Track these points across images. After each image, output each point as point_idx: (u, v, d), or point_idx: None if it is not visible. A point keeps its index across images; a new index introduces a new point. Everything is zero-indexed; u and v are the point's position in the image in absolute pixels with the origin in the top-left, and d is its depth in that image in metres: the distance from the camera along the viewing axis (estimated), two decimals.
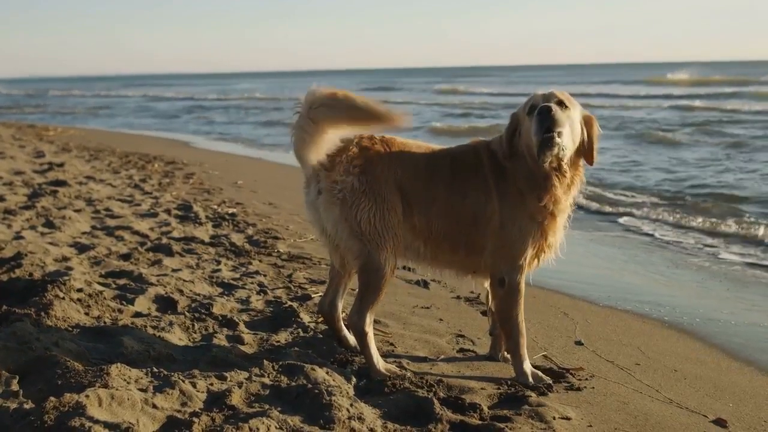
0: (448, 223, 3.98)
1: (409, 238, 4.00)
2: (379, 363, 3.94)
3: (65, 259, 5.99)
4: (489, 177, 3.95)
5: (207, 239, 7.20)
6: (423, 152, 4.07)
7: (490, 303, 4.27)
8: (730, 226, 9.37)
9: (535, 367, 4.21)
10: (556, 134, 3.69)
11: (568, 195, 3.94)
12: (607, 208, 10.89)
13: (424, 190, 3.96)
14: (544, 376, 4.03)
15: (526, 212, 3.88)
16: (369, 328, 3.94)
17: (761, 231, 8.99)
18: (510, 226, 3.90)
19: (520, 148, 3.89)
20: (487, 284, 4.22)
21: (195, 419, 3.06)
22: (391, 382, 3.72)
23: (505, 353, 4.26)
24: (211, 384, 3.48)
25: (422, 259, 4.12)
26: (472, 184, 3.97)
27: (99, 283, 5.29)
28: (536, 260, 4.03)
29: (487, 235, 3.95)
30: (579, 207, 10.76)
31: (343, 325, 4.33)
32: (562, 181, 3.87)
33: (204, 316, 4.70)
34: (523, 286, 4.00)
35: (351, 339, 4.26)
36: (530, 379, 3.97)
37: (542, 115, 3.69)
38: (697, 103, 31.29)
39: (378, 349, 4.24)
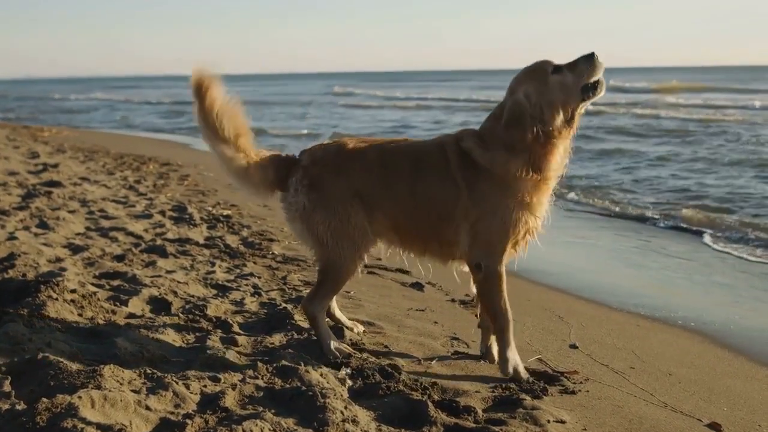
0: (414, 222, 4.12)
1: (380, 229, 4.17)
2: (331, 342, 4.19)
3: (59, 259, 5.96)
4: (457, 174, 3.98)
5: (201, 241, 7.18)
6: (379, 153, 4.16)
7: (475, 293, 4.31)
8: (728, 225, 9.43)
9: (530, 370, 4.21)
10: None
11: (562, 164, 3.99)
12: (599, 208, 10.95)
13: (383, 190, 4.10)
14: (523, 370, 4.04)
15: (511, 198, 3.89)
16: (320, 314, 4.23)
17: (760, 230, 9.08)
18: (490, 219, 3.92)
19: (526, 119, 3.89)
20: (466, 269, 4.26)
21: (188, 421, 3.04)
22: (385, 385, 3.72)
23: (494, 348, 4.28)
24: (205, 386, 3.47)
25: (397, 246, 4.30)
26: (436, 182, 4.03)
27: (93, 284, 5.26)
28: (520, 245, 4.04)
29: (460, 230, 4.00)
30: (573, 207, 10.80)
31: (343, 316, 4.68)
32: (566, 142, 3.98)
33: (198, 318, 4.68)
34: (502, 271, 4.02)
35: (354, 328, 4.61)
36: (510, 368, 4.00)
37: (595, 59, 3.91)
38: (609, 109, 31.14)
39: (372, 352, 4.29)
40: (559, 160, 3.97)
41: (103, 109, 43.94)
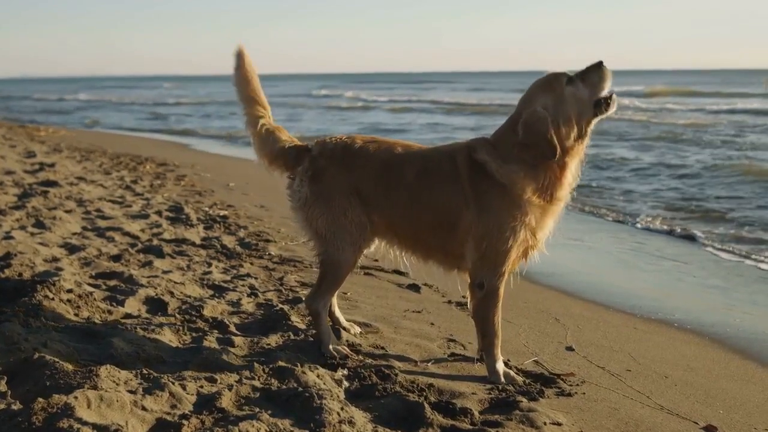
0: (415, 230, 4.12)
1: (379, 231, 4.20)
2: (331, 342, 4.23)
3: (55, 259, 5.95)
4: (466, 186, 3.93)
5: (198, 241, 7.17)
6: (386, 156, 4.13)
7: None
8: (722, 229, 9.47)
9: (525, 372, 4.21)
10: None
11: (574, 181, 3.98)
12: (596, 211, 10.96)
13: (382, 193, 4.10)
14: (516, 376, 4.06)
15: (520, 218, 3.85)
16: (323, 310, 4.26)
17: (756, 233, 9.11)
18: (496, 236, 3.88)
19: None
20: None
21: (184, 421, 3.04)
22: (382, 386, 3.72)
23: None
24: (201, 386, 3.47)
25: (398, 249, 4.32)
26: (442, 192, 3.99)
27: (89, 284, 5.26)
28: (523, 259, 4.06)
29: (465, 243, 3.98)
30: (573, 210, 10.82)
31: (341, 316, 4.67)
32: (579, 157, 3.96)
33: (194, 318, 4.68)
34: (502, 290, 4.02)
35: (351, 329, 4.62)
36: (502, 379, 4.01)
37: (604, 68, 3.91)
38: None
39: (369, 353, 4.29)
40: (571, 178, 3.95)
41: (82, 111, 43.71)
